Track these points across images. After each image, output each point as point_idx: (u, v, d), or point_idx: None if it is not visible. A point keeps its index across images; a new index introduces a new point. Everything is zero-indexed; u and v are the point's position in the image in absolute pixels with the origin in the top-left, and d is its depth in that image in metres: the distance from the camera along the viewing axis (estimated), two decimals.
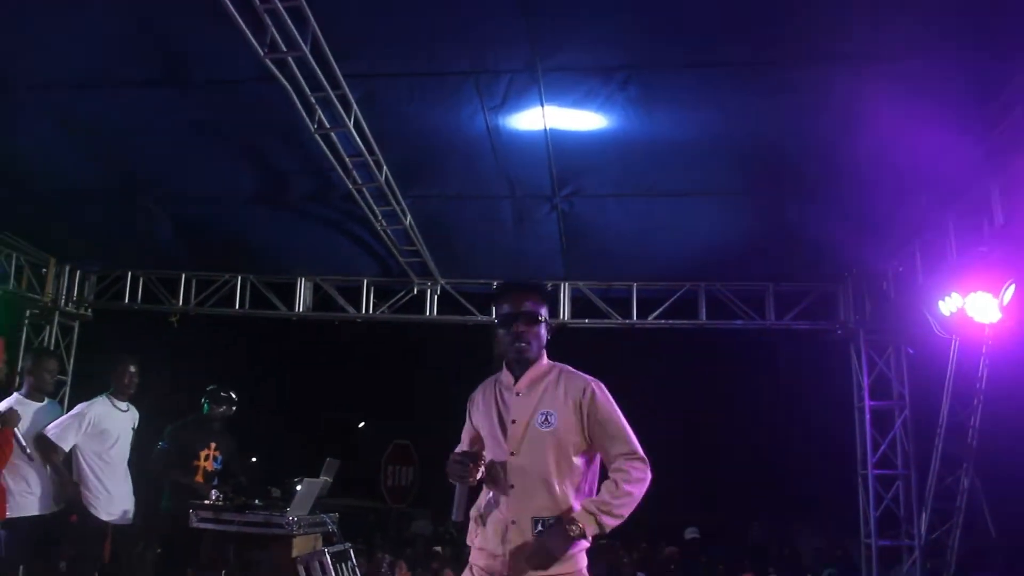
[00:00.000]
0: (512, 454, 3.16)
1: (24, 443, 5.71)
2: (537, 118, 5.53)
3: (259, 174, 6.63)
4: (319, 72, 4.88)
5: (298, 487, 5.96)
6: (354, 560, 6.34)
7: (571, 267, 8.14)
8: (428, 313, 8.74)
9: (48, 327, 8.88)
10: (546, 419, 3.16)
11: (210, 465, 6.82)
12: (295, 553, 5.73)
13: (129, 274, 9.02)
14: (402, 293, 8.76)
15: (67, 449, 5.98)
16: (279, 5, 4.32)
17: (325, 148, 5.65)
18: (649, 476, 3.14)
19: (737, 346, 13.43)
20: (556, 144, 5.85)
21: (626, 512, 3.08)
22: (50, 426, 5.96)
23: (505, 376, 3.34)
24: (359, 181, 6.22)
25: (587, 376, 3.28)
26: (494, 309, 3.39)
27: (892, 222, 6.70)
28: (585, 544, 3.10)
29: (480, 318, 8.55)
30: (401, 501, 16.70)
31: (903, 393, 8.10)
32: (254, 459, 16.73)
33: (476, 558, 3.24)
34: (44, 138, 6.12)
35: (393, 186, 6.44)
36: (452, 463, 3.17)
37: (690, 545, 13.43)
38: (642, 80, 5.09)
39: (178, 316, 9.09)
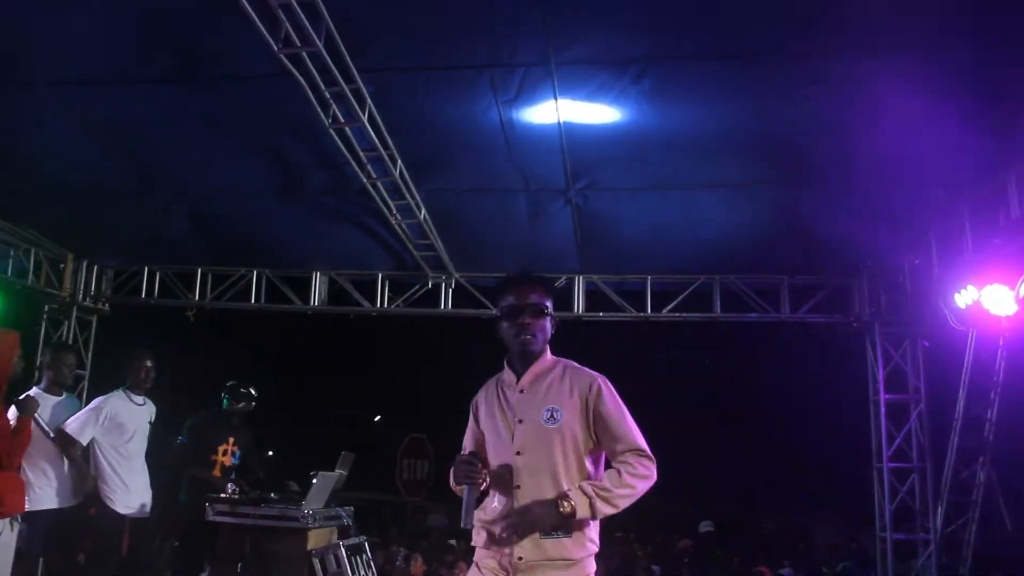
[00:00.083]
0: (518, 453, 3.06)
1: (45, 427, 5.79)
2: (551, 112, 5.52)
3: (274, 169, 6.65)
4: (333, 67, 4.88)
5: (314, 481, 6.00)
6: (369, 553, 6.38)
7: (585, 260, 8.14)
8: (443, 307, 8.75)
9: (66, 322, 8.95)
10: (552, 415, 3.07)
11: (228, 460, 6.87)
12: (310, 546, 5.77)
13: (146, 269, 9.08)
14: (417, 287, 8.78)
15: (85, 443, 6.03)
16: (293, 0, 4.34)
17: (339, 143, 5.66)
18: (654, 475, 3.05)
19: (751, 339, 13.42)
20: (570, 138, 5.84)
21: (623, 504, 2.99)
22: (68, 421, 6.02)
23: (507, 374, 3.25)
24: (374, 175, 6.23)
25: (593, 372, 3.19)
26: (497, 302, 3.29)
27: (908, 215, 6.67)
28: (594, 549, 3.04)
29: (495, 312, 8.55)
30: (416, 494, 16.77)
31: (918, 386, 8.06)
32: (270, 453, 16.82)
33: (482, 557, 3.14)
34: (62, 134, 6.15)
35: (407, 180, 6.45)
36: (460, 464, 3.09)
37: (705, 538, 13.44)
38: (656, 73, 5.07)
39: (194, 310, 9.16)
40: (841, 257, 7.79)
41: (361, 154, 5.90)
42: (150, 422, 6.48)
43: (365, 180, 6.22)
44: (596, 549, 3.06)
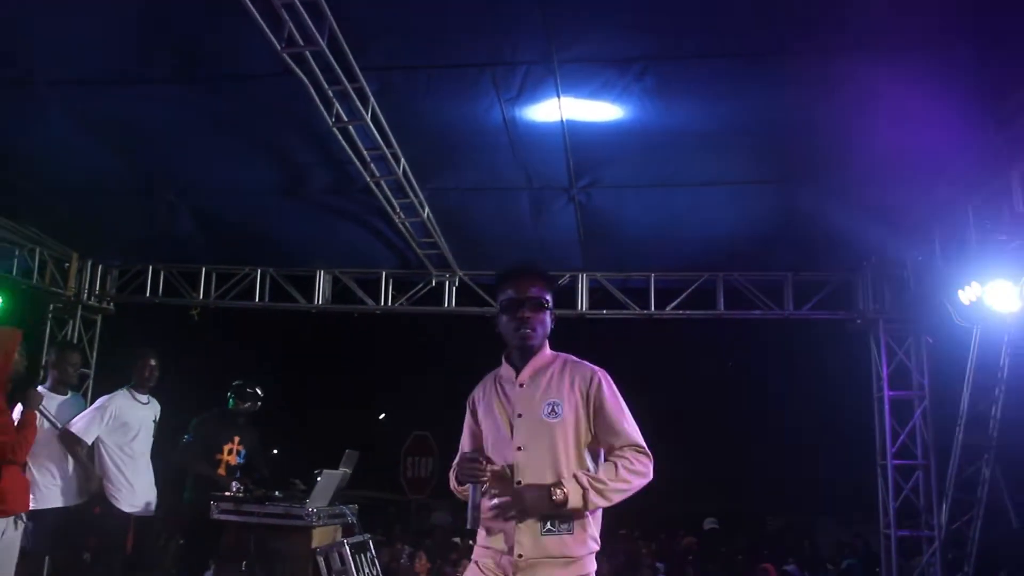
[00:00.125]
0: (518, 448, 3.01)
1: (52, 418, 5.80)
2: (554, 110, 5.53)
3: (278, 168, 6.66)
4: (336, 66, 4.90)
5: (318, 479, 6.01)
6: (373, 551, 6.39)
7: (589, 258, 8.15)
8: (446, 305, 8.77)
9: (71, 321, 8.98)
10: (552, 409, 3.02)
11: (233, 459, 6.89)
12: (315, 544, 5.78)
13: (150, 268, 9.10)
14: (420, 285, 8.80)
15: (90, 442, 6.05)
16: None
17: (343, 141, 5.67)
18: (651, 473, 3.01)
19: (755, 336, 13.40)
20: (573, 135, 5.85)
21: (616, 499, 2.95)
22: (73, 420, 6.04)
23: (505, 369, 3.21)
24: (377, 174, 6.24)
25: (593, 365, 3.15)
26: (496, 295, 3.22)
27: (911, 211, 6.66)
28: (595, 547, 3.01)
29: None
30: (420, 492, 16.78)
31: (923, 383, 8.05)
32: (275, 451, 16.86)
33: (481, 555, 3.08)
34: (66, 134, 6.17)
35: (411, 178, 6.46)
36: (464, 463, 3.02)
37: (709, 535, 13.47)
38: (658, 71, 5.08)
39: (199, 309, 9.19)
40: (845, 254, 7.79)
41: (364, 153, 5.91)
42: (154, 421, 6.50)
43: (368, 179, 6.23)
44: (597, 548, 3.03)
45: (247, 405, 7.05)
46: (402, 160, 6.22)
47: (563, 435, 3.00)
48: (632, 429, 3.05)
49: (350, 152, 5.82)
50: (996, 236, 6.01)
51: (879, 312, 8.07)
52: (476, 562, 3.07)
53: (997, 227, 5.96)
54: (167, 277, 9.12)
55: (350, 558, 5.82)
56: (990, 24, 4.44)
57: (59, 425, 5.89)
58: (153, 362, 6.47)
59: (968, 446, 7.88)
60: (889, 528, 8.00)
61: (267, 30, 4.43)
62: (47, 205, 7.58)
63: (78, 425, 6.01)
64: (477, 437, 3.24)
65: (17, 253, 8.13)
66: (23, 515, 5.11)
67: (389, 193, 6.54)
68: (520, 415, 3.05)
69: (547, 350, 3.19)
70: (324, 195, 7.08)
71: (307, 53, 4.71)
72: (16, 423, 5.17)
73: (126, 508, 6.15)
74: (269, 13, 4.38)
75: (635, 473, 2.96)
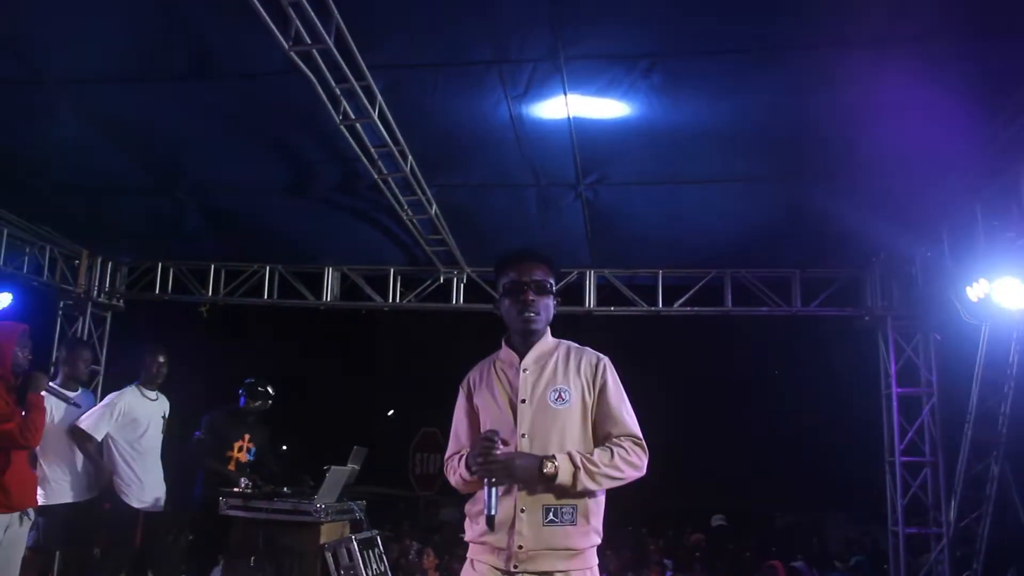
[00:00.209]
0: (523, 436, 2.90)
1: (60, 390, 5.80)
2: (560, 107, 5.53)
3: (286, 165, 6.69)
4: (343, 64, 4.91)
5: (326, 475, 6.03)
6: (381, 547, 6.41)
7: (596, 255, 8.16)
8: (454, 301, 8.80)
9: (81, 318, 9.03)
10: (560, 396, 2.95)
11: (243, 456, 6.93)
12: (323, 540, 5.80)
13: (160, 265, 9.15)
14: (428, 282, 8.83)
15: (100, 438, 6.09)
16: None
17: (350, 139, 5.69)
18: (644, 468, 2.95)
19: (763, 333, 13.38)
20: (580, 132, 5.85)
21: (605, 485, 2.89)
22: (82, 416, 6.07)
23: (506, 353, 3.12)
24: (384, 171, 6.26)
25: (598, 352, 3.10)
26: (498, 279, 3.15)
27: (919, 207, 6.64)
28: (598, 540, 2.93)
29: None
30: (429, 489, 16.81)
31: (931, 380, 8.04)
32: (284, 447, 16.90)
33: (477, 553, 2.97)
34: (75, 132, 6.20)
35: (418, 176, 6.48)
36: (480, 443, 2.85)
37: (717, 532, 13.45)
38: (665, 68, 5.07)
39: (208, 306, 9.23)
40: (852, 250, 7.79)
41: (372, 150, 5.92)
42: (163, 417, 6.54)
43: (376, 176, 6.25)
44: (599, 540, 2.95)
45: (258, 403, 7.10)
46: (409, 157, 6.24)
47: (570, 422, 2.94)
48: (632, 420, 3.00)
49: (357, 150, 5.84)
50: (1004, 233, 5.99)
51: (887, 309, 8.07)
52: (472, 560, 2.99)
53: (1005, 224, 5.94)
54: (176, 274, 9.18)
55: (358, 554, 5.85)
56: (997, 20, 4.42)
57: (71, 399, 5.88)
58: (162, 359, 6.51)
59: (977, 443, 7.86)
60: (897, 525, 7.99)
61: (274, 29, 4.45)
62: (57, 203, 7.62)
63: (87, 421, 6.05)
64: (474, 423, 3.12)
65: (28, 250, 8.19)
66: (30, 511, 5.09)
67: (397, 190, 6.56)
68: (524, 401, 2.96)
69: (549, 336, 3.12)
70: (332, 192, 7.11)
71: (314, 51, 4.72)
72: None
73: (135, 504, 6.20)
74: (276, 12, 4.40)
75: (629, 464, 2.90)
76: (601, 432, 2.98)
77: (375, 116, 5.45)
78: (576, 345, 3.13)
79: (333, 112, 5.32)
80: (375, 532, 6.47)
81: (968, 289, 6.58)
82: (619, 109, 5.54)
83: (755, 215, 7.10)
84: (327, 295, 8.93)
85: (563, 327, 3.25)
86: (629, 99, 5.41)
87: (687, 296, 8.38)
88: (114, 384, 6.76)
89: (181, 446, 6.93)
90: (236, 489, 6.23)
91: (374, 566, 6.06)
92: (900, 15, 4.48)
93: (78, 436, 6.01)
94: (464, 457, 3.00)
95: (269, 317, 11.50)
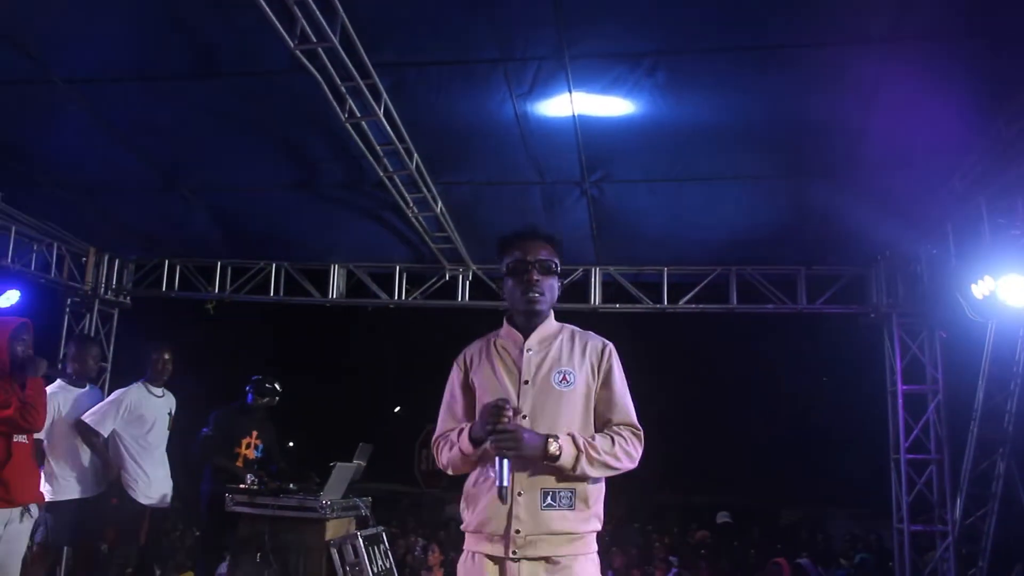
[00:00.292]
0: (523, 416, 2.83)
1: (68, 368, 5.79)
2: (565, 105, 5.55)
3: (292, 163, 6.71)
4: (349, 62, 4.93)
5: (332, 471, 6.06)
6: (387, 543, 6.44)
7: (601, 252, 8.16)
8: (460, 299, 8.81)
9: (88, 315, 9.07)
10: (564, 378, 2.89)
11: (251, 453, 6.96)
12: (328, 536, 5.84)
13: (166, 262, 9.18)
14: (434, 279, 8.84)
15: (105, 434, 6.12)
16: None
17: (356, 137, 5.71)
18: (638, 460, 2.89)
19: (768, 330, 13.37)
20: (585, 130, 5.86)
21: (600, 473, 2.83)
22: (88, 412, 6.11)
23: (508, 332, 3.04)
24: (390, 169, 6.27)
25: (603, 337, 3.04)
26: (502, 258, 3.05)
27: (924, 205, 6.64)
28: (598, 525, 2.87)
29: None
30: (435, 485, 16.86)
31: (936, 377, 8.03)
32: (291, 444, 16.96)
33: (474, 543, 2.89)
34: (82, 130, 6.24)
35: (424, 173, 6.50)
36: (492, 409, 2.75)
37: (722, 529, 13.45)
38: (669, 66, 5.08)
39: (214, 303, 9.26)
40: (858, 248, 7.78)
41: (377, 148, 5.95)
42: (170, 413, 6.57)
43: (382, 174, 6.27)
44: (600, 526, 2.89)
45: (265, 400, 7.13)
46: (415, 155, 6.26)
47: (572, 405, 2.88)
48: (631, 409, 2.96)
49: (363, 147, 5.86)
50: (1009, 230, 5.99)
51: (892, 306, 8.06)
52: (471, 552, 2.89)
53: (1010, 222, 5.94)
54: (183, 271, 9.21)
55: (363, 550, 5.87)
56: (1002, 19, 4.43)
57: (69, 372, 5.89)
58: (167, 356, 6.54)
59: (983, 440, 7.86)
60: (902, 523, 7.99)
61: (280, 27, 4.47)
62: (65, 200, 7.65)
63: (93, 417, 6.08)
64: (471, 399, 3.03)
65: (35, 248, 8.22)
66: (32, 508, 5.00)
67: (402, 188, 6.57)
68: (527, 381, 2.90)
69: (553, 318, 3.07)
70: (338, 190, 7.13)
71: (320, 50, 4.74)
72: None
73: (142, 500, 6.24)
74: (282, 10, 4.42)
75: (627, 454, 2.86)
76: (601, 418, 2.94)
77: (380, 114, 5.47)
78: (579, 329, 3.08)
79: (339, 110, 5.34)
80: (380, 528, 6.50)
81: (973, 286, 6.59)
82: (624, 107, 5.55)
83: (760, 212, 7.10)
84: (333, 292, 8.95)
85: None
86: (634, 97, 5.42)
87: (692, 293, 8.37)
88: (121, 381, 6.81)
89: (189, 443, 6.96)
90: (242, 485, 6.27)
91: (379, 562, 6.08)
92: (905, 14, 4.49)
93: (84, 431, 6.04)
94: (465, 430, 2.92)
95: (275, 314, 11.52)
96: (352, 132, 5.63)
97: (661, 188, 6.77)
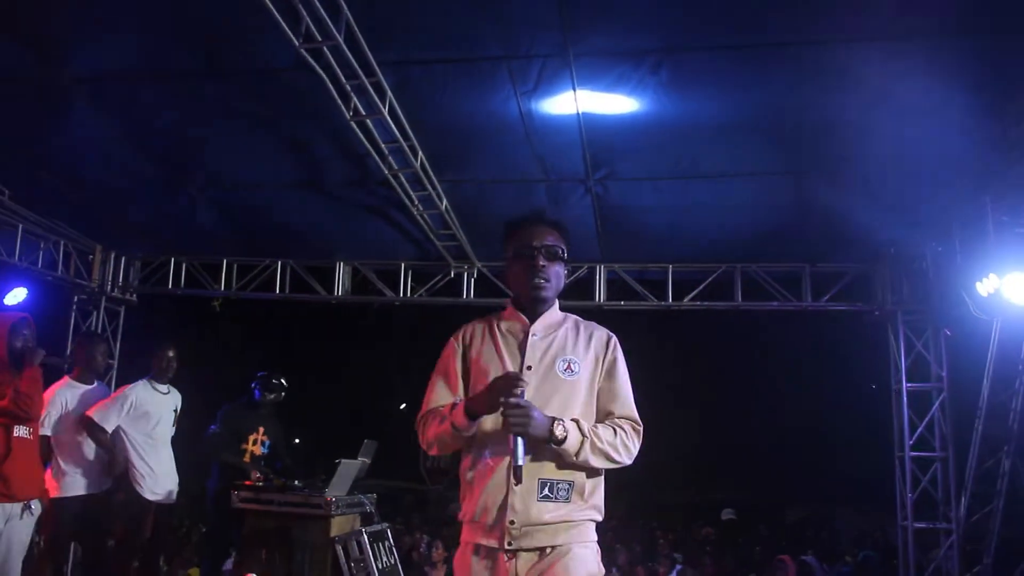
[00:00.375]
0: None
1: (65, 360, 5.81)
2: (570, 102, 5.55)
3: (298, 161, 6.72)
4: (353, 60, 4.94)
5: (338, 468, 6.08)
6: (392, 540, 6.45)
7: (606, 249, 8.16)
8: (465, 296, 8.83)
9: (95, 312, 9.10)
10: (569, 367, 2.82)
11: (258, 449, 6.98)
12: (333, 533, 5.85)
13: (173, 260, 9.21)
14: (439, 276, 8.86)
15: (110, 430, 6.13)
16: None
17: (361, 135, 5.72)
18: (635, 456, 2.83)
19: (773, 328, 13.37)
20: (589, 128, 5.86)
21: (600, 463, 2.75)
22: (92, 408, 6.13)
23: (512, 315, 2.97)
24: (395, 167, 6.29)
25: (606, 329, 2.98)
26: (507, 244, 2.98)
27: (929, 203, 6.64)
28: (597, 516, 2.81)
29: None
30: (439, 482, 16.87)
31: (941, 375, 8.03)
32: (296, 440, 17.00)
33: (471, 534, 2.80)
34: (89, 128, 6.25)
35: (429, 171, 6.51)
36: (506, 380, 2.67)
37: (727, 526, 13.47)
38: (674, 63, 5.08)
39: (220, 300, 9.29)
40: (863, 245, 7.77)
41: (382, 146, 5.96)
42: (175, 410, 6.59)
43: (387, 172, 6.29)
44: (600, 518, 2.83)
45: (272, 396, 7.14)
46: (420, 153, 6.27)
47: (576, 394, 2.81)
48: (633, 402, 2.90)
49: (368, 145, 5.87)
50: (1014, 229, 5.99)
51: (897, 304, 8.06)
52: (466, 544, 2.81)
53: (1015, 220, 5.94)
54: (189, 269, 9.24)
55: (368, 547, 5.89)
56: (1007, 17, 4.42)
57: (67, 365, 5.92)
58: (171, 354, 6.56)
59: (988, 438, 7.85)
60: (907, 520, 7.99)
61: (284, 25, 4.49)
62: (72, 198, 7.68)
63: (97, 413, 6.10)
64: (466, 377, 2.94)
65: (42, 245, 8.24)
66: (33, 504, 4.96)
67: (407, 185, 6.59)
68: (530, 367, 2.81)
69: (558, 308, 2.99)
70: (343, 188, 7.14)
71: (325, 48, 4.76)
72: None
73: (148, 496, 6.26)
74: (287, 9, 4.44)
75: (626, 449, 2.80)
76: (603, 410, 2.87)
77: (385, 112, 5.48)
78: (583, 320, 3.02)
79: (344, 108, 5.36)
80: (385, 525, 6.51)
81: (978, 284, 6.58)
82: (628, 105, 5.55)
83: (765, 210, 7.10)
84: (338, 289, 8.97)
85: None
86: (638, 95, 5.42)
87: (697, 291, 8.37)
88: (127, 378, 6.82)
89: (195, 439, 6.99)
90: (247, 482, 6.29)
91: (384, 559, 6.10)
92: (910, 11, 4.48)
93: (89, 426, 6.06)
94: (459, 404, 2.79)
95: (281, 311, 11.56)
96: (357, 130, 5.65)
97: (665, 186, 6.77)
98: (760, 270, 8.28)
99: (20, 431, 4.89)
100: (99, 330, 8.94)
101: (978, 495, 7.94)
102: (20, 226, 7.81)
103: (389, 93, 5.47)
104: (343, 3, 4.60)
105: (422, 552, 10.28)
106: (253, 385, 7.14)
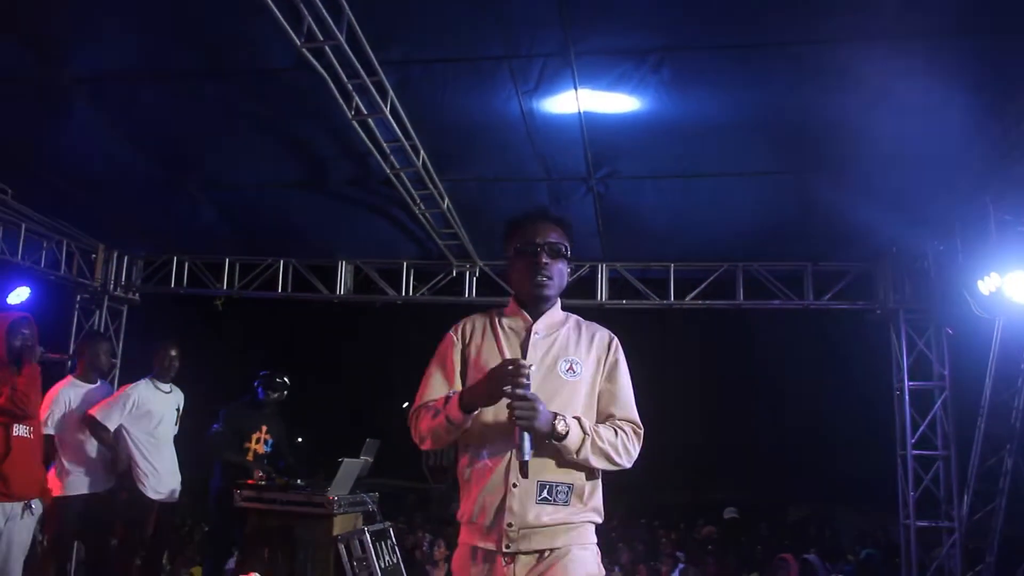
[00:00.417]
0: None
1: (65, 356, 5.82)
2: (571, 101, 5.55)
3: (300, 160, 6.73)
4: (355, 60, 4.95)
5: (340, 467, 6.08)
6: (394, 539, 6.46)
7: (608, 248, 8.16)
8: (467, 295, 8.83)
9: (98, 311, 9.11)
10: (571, 367, 2.77)
11: (261, 448, 6.99)
12: (336, 531, 5.85)
13: (175, 259, 9.22)
14: (441, 275, 8.87)
15: (112, 428, 6.14)
16: None
17: (363, 134, 5.73)
18: (634, 460, 2.78)
19: (775, 326, 13.37)
20: (590, 127, 5.87)
21: (600, 463, 2.70)
22: (95, 407, 6.14)
23: (515, 311, 2.91)
24: (397, 166, 6.30)
25: (607, 329, 2.94)
26: (509, 241, 2.93)
27: (931, 202, 6.63)
28: (596, 518, 2.76)
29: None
30: (442, 480, 16.86)
31: (943, 374, 8.03)
32: (300, 439, 17.01)
33: (467, 536, 2.77)
34: (92, 128, 6.26)
35: (431, 170, 6.51)
36: (511, 367, 2.58)
37: (729, 525, 13.46)
38: (675, 62, 5.09)
39: (223, 300, 9.30)
40: (865, 244, 7.76)
41: (384, 145, 5.97)
42: (178, 409, 6.60)
43: (389, 171, 6.29)
44: (600, 520, 2.77)
45: (275, 395, 7.15)
46: (421, 152, 6.27)
47: (577, 395, 2.76)
48: (634, 405, 2.85)
49: (370, 145, 5.88)
50: (1015, 227, 5.99)
51: (899, 303, 8.06)
52: (465, 545, 2.78)
53: (1016, 219, 5.94)
54: (192, 268, 9.25)
55: (371, 545, 5.90)
56: (1007, 17, 4.42)
57: (69, 361, 5.93)
58: (173, 352, 6.56)
59: (990, 437, 7.85)
60: (909, 519, 7.99)
61: (286, 25, 4.49)
62: (74, 198, 7.69)
63: (100, 412, 6.10)
64: (463, 371, 2.89)
65: (45, 245, 8.26)
66: (33, 504, 4.93)
67: (409, 185, 6.59)
68: (531, 366, 2.69)
69: (559, 307, 2.94)
70: (345, 187, 7.14)
71: (326, 47, 4.76)
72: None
73: (151, 495, 6.26)
74: (288, 8, 4.45)
75: (626, 451, 2.75)
76: (603, 412, 2.81)
77: (387, 111, 5.49)
78: (584, 320, 2.97)
79: (345, 108, 5.36)
80: (388, 524, 6.52)
81: (980, 283, 6.58)
82: (629, 104, 5.56)
83: (767, 209, 7.10)
84: (341, 288, 8.98)
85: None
86: (639, 94, 5.43)
87: (699, 289, 8.38)
88: (130, 377, 6.83)
89: (198, 438, 7.00)
90: (250, 481, 6.30)
91: (386, 558, 6.11)
92: (911, 11, 4.48)
93: (91, 425, 6.06)
94: (454, 397, 2.72)
95: (284, 310, 11.57)
96: (359, 129, 5.65)
97: (667, 184, 6.77)
98: (762, 269, 8.28)
99: (20, 430, 4.87)
100: (102, 329, 8.96)
101: (980, 493, 7.94)
102: (23, 225, 7.82)
103: (391, 92, 5.47)
104: (345, 3, 4.60)
105: (424, 551, 10.29)
106: (256, 384, 7.15)
